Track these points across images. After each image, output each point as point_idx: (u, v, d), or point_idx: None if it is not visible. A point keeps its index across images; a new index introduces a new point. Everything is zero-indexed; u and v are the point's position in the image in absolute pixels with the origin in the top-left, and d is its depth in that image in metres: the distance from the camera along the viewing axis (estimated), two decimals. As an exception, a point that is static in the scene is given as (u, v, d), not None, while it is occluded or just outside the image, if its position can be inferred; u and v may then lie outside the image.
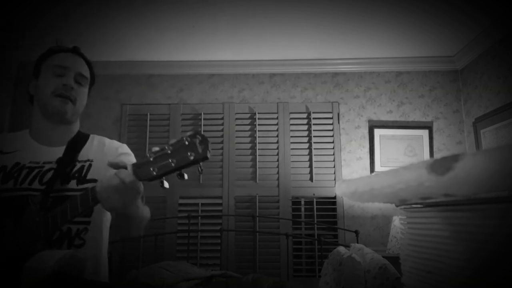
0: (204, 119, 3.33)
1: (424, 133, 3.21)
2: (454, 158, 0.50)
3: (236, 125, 3.32)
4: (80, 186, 1.16)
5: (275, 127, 3.29)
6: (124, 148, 1.37)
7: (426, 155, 3.18)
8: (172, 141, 0.89)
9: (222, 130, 3.31)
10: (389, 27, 2.81)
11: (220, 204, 3.18)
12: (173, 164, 0.86)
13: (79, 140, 1.30)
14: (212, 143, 3.29)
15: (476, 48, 2.98)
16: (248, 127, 3.32)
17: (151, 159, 0.88)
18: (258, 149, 3.25)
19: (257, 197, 3.16)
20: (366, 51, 3.20)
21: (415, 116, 3.28)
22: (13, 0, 2.48)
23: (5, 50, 3.18)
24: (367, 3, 2.49)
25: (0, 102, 3.25)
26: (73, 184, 1.17)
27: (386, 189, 0.66)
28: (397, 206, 1.02)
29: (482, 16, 2.60)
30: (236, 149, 3.27)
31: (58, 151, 1.22)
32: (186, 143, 0.86)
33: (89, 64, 1.33)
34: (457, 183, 0.50)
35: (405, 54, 3.25)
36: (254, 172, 3.22)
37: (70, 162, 1.20)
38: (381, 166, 3.17)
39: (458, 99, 3.28)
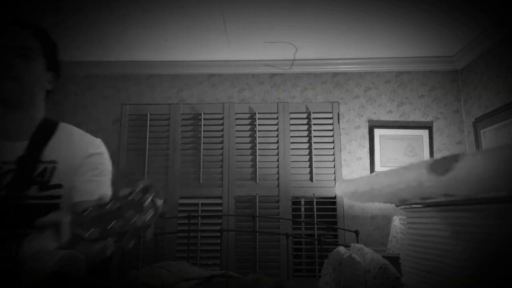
0: (204, 119, 3.33)
1: (424, 133, 3.21)
2: (454, 158, 0.50)
3: (236, 125, 3.32)
4: (43, 193, 0.99)
5: (275, 127, 3.29)
6: (96, 145, 1.15)
7: (426, 155, 3.18)
8: (121, 193, 0.76)
9: (222, 130, 3.31)
10: (389, 27, 2.80)
11: (220, 204, 3.18)
12: (116, 228, 0.73)
13: (44, 132, 1.08)
14: (212, 143, 3.29)
15: (476, 48, 2.98)
16: (248, 127, 3.32)
17: (92, 216, 0.73)
18: (258, 149, 3.25)
19: (257, 197, 3.16)
20: (366, 51, 3.20)
21: (415, 116, 3.28)
22: (13, 2, 2.48)
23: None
24: (367, 3, 2.49)
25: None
26: (34, 190, 0.99)
27: (386, 189, 0.66)
28: (397, 206, 1.02)
29: (482, 16, 2.60)
30: (236, 149, 3.27)
31: (20, 147, 1.02)
32: (136, 200, 0.75)
33: (35, 31, 1.10)
34: (457, 183, 0.50)
35: (405, 54, 3.25)
36: (254, 172, 3.22)
37: (32, 162, 1.01)
38: (381, 166, 3.17)
39: (458, 99, 3.28)
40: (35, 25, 1.11)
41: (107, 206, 0.73)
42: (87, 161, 1.09)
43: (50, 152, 1.05)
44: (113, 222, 0.72)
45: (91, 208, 0.73)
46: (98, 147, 1.15)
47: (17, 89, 1.02)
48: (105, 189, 1.10)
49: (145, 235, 0.75)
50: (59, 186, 1.02)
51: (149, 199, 0.74)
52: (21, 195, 0.97)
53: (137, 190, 0.75)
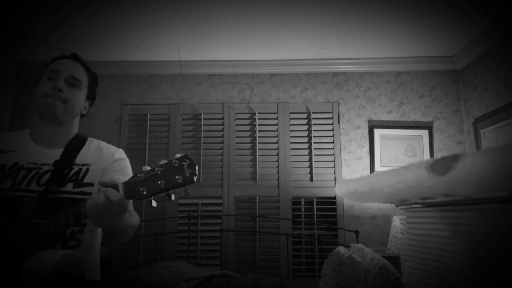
0: (204, 119, 3.33)
1: (424, 133, 3.21)
2: (454, 158, 0.50)
3: (236, 125, 3.32)
4: (77, 189, 1.19)
5: (275, 127, 3.29)
6: (120, 153, 1.38)
7: (426, 155, 3.18)
8: (162, 162, 0.93)
9: (222, 130, 3.31)
10: (389, 27, 2.81)
11: (220, 204, 3.19)
12: (162, 186, 0.90)
13: (77, 143, 1.32)
14: (212, 143, 3.29)
15: (476, 48, 2.99)
16: (248, 127, 3.32)
17: (142, 178, 0.92)
18: (258, 149, 3.25)
19: (257, 197, 3.16)
20: (366, 51, 3.20)
21: (415, 116, 3.28)
22: (15, 2, 2.48)
23: (6, 50, 3.18)
24: (367, 3, 2.49)
25: (0, 102, 3.25)
26: (69, 186, 1.19)
27: (386, 189, 0.66)
28: (397, 206, 1.02)
29: (482, 16, 2.60)
30: (236, 149, 3.27)
31: (56, 153, 1.24)
32: (175, 165, 0.91)
33: (86, 67, 1.37)
34: (457, 183, 0.50)
35: (405, 54, 3.25)
36: (254, 172, 3.22)
37: (67, 165, 1.22)
38: (381, 166, 3.17)
39: (458, 99, 3.28)
40: (86, 62, 1.40)
41: (153, 171, 0.91)
42: (114, 164, 1.31)
43: (83, 157, 1.28)
44: (159, 181, 0.90)
45: (140, 173, 0.92)
46: (122, 154, 1.38)
47: (63, 109, 1.25)
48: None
49: (187, 190, 0.93)
50: (90, 184, 1.22)
51: (187, 163, 0.92)
52: (58, 190, 1.16)
53: (176, 158, 0.93)
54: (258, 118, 3.30)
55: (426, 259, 0.85)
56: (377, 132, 3.23)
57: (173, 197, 0.93)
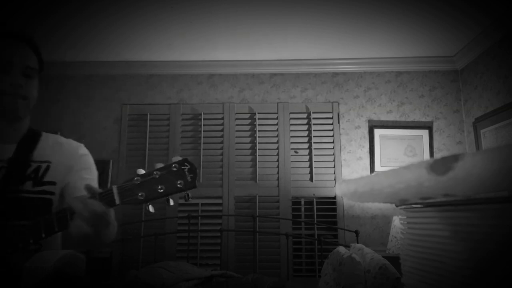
0: (204, 119, 3.33)
1: (424, 133, 3.21)
2: (454, 158, 0.50)
3: (236, 125, 3.32)
4: (37, 188, 1.10)
5: (275, 127, 3.29)
6: (84, 149, 1.27)
7: (426, 155, 3.18)
8: (159, 165, 0.88)
9: (222, 130, 3.31)
10: (389, 27, 2.81)
11: (220, 204, 3.19)
12: (161, 191, 0.86)
13: (31, 138, 1.19)
14: (212, 143, 3.29)
15: (476, 48, 2.99)
16: (248, 127, 3.32)
17: (139, 182, 0.86)
18: (258, 149, 3.25)
19: (257, 197, 3.16)
20: (366, 51, 3.20)
21: (415, 116, 3.28)
22: (15, 2, 2.48)
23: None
24: (367, 3, 2.49)
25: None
26: (29, 185, 1.09)
27: (386, 189, 0.66)
28: (397, 206, 1.02)
29: (482, 16, 2.60)
30: (236, 149, 3.27)
31: (8, 150, 1.12)
32: (175, 169, 0.87)
33: (36, 50, 1.20)
34: (457, 183, 0.50)
35: (405, 54, 3.25)
36: (254, 172, 3.22)
37: (23, 162, 1.12)
38: (381, 166, 3.17)
39: (458, 99, 3.28)
40: (34, 41, 1.21)
41: (151, 175, 0.86)
42: (80, 161, 1.21)
43: (42, 153, 1.16)
44: (159, 186, 0.86)
45: (137, 177, 0.86)
46: (85, 150, 1.26)
47: (24, 106, 1.13)
48: (96, 186, 1.18)
49: (188, 195, 0.90)
50: (52, 183, 1.12)
51: (188, 167, 0.88)
52: (16, 189, 1.06)
53: (175, 162, 0.88)
54: (258, 118, 3.30)
55: (426, 259, 0.85)
56: (377, 132, 3.23)
57: (172, 202, 0.89)
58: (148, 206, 0.89)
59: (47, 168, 1.14)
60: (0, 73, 1.09)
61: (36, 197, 1.09)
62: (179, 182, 0.86)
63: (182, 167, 0.88)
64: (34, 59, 1.18)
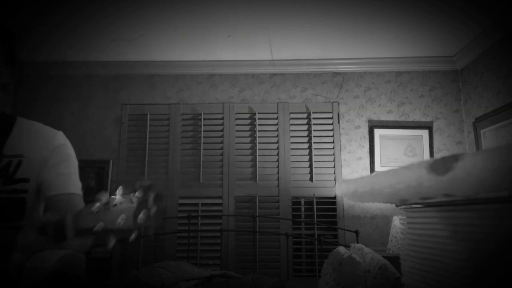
0: (204, 119, 3.33)
1: (424, 133, 3.21)
2: (454, 158, 0.50)
3: (236, 125, 3.32)
4: (8, 187, 0.99)
5: (275, 127, 3.29)
6: (61, 137, 1.12)
7: (426, 155, 3.18)
8: (120, 190, 0.79)
9: (222, 130, 3.31)
10: (389, 27, 2.81)
11: (220, 204, 3.19)
12: (121, 225, 0.75)
13: (2, 127, 1.06)
14: (212, 143, 3.29)
15: (476, 48, 2.98)
16: (248, 127, 3.32)
17: (96, 212, 0.76)
18: (258, 149, 3.25)
19: (257, 197, 3.16)
20: (366, 51, 3.20)
21: (415, 116, 3.28)
22: (15, 2, 2.48)
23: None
24: (367, 3, 2.49)
25: (0, 102, 3.25)
26: None
27: (386, 189, 0.66)
28: (397, 206, 1.02)
29: (482, 16, 2.60)
30: (236, 149, 3.27)
31: None
32: (141, 197, 0.77)
33: None
34: (457, 183, 0.50)
35: (405, 54, 3.25)
36: (254, 172, 3.22)
37: None
38: (381, 166, 3.17)
39: (458, 99, 3.28)
40: None
41: (113, 204, 0.76)
42: (55, 152, 1.08)
43: (13, 146, 1.03)
44: (119, 218, 0.74)
45: (98, 205, 0.75)
46: (63, 139, 1.13)
47: None
48: (76, 182, 1.11)
49: (148, 231, 0.77)
50: (25, 180, 1.01)
51: (153, 196, 0.76)
52: None
53: (140, 189, 0.77)
54: (258, 118, 3.30)
55: (426, 259, 0.85)
56: (377, 132, 3.23)
57: (133, 236, 0.76)
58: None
59: (19, 163, 1.01)
60: None
61: (8, 197, 0.99)
62: (140, 215, 0.74)
63: (147, 195, 0.77)
64: None
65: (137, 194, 0.77)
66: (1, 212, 0.87)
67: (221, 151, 3.27)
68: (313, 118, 3.29)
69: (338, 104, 3.33)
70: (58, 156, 1.08)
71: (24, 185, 1.01)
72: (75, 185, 1.10)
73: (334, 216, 3.13)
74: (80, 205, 1.05)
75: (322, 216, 3.13)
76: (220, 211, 3.17)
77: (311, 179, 3.19)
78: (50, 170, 1.05)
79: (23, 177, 1.01)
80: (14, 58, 1.10)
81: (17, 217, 1.00)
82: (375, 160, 3.19)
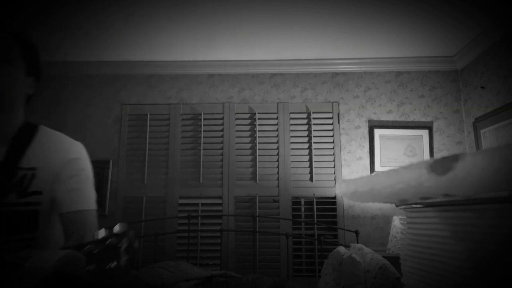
0: (204, 119, 3.33)
1: (424, 133, 3.21)
2: (454, 158, 0.50)
3: (236, 125, 3.32)
4: (22, 200, 1.00)
5: (275, 127, 3.29)
6: (77, 150, 1.12)
7: (426, 155, 3.18)
8: (96, 235, 0.77)
9: (222, 130, 3.31)
10: (389, 27, 2.81)
11: (220, 204, 3.19)
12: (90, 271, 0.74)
13: (24, 138, 1.07)
14: (212, 143, 3.29)
15: (476, 48, 2.98)
16: (248, 127, 3.32)
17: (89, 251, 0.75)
18: (258, 149, 3.25)
19: (257, 197, 3.16)
20: (366, 51, 3.20)
21: (415, 116, 3.28)
22: (15, 2, 2.48)
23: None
24: (367, 3, 2.49)
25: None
26: (12, 197, 0.99)
27: (386, 189, 0.66)
28: (397, 206, 1.02)
29: (482, 16, 2.60)
30: (236, 149, 3.27)
31: None
32: (113, 243, 0.75)
33: (15, 35, 1.07)
34: (457, 183, 0.50)
35: (405, 54, 3.25)
36: (254, 172, 3.22)
37: (11, 169, 1.01)
38: (381, 166, 3.17)
39: (458, 99, 3.28)
40: (15, 29, 1.09)
41: (84, 249, 0.73)
42: (68, 167, 1.07)
43: (30, 158, 1.04)
44: (88, 267, 0.72)
45: (68, 251, 0.73)
46: (78, 152, 1.11)
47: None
48: (88, 196, 1.09)
49: (119, 278, 0.75)
50: (38, 193, 1.02)
51: (125, 245, 0.74)
52: (1, 202, 0.96)
53: (114, 234, 0.75)
54: (258, 118, 3.30)
55: (426, 259, 0.85)
56: (377, 132, 3.23)
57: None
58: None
59: (33, 176, 1.02)
60: None
61: (21, 210, 1.00)
62: (111, 263, 0.73)
63: (120, 243, 0.74)
64: (7, 42, 1.05)
65: (111, 240, 0.74)
66: (14, 225, 0.88)
67: (221, 151, 3.27)
68: (313, 118, 3.29)
69: (338, 104, 3.33)
70: (71, 170, 1.07)
71: (38, 197, 1.02)
72: (88, 201, 1.08)
73: (334, 216, 3.13)
74: (92, 223, 1.06)
75: (322, 216, 3.13)
76: (220, 211, 3.17)
77: (311, 179, 3.19)
78: (62, 185, 1.05)
79: (36, 190, 1.01)
80: (39, 70, 1.13)
81: (30, 230, 1.01)
82: (375, 160, 3.19)
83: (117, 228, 0.76)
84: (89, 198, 1.09)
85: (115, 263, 0.73)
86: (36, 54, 1.13)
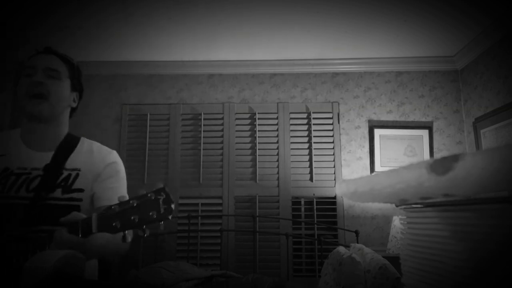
0: (204, 119, 3.33)
1: (424, 133, 3.21)
2: (454, 158, 0.50)
3: (236, 125, 3.32)
4: (65, 196, 1.17)
5: (275, 127, 3.29)
6: (113, 156, 1.32)
7: (426, 155, 3.18)
8: (140, 193, 0.91)
9: (222, 130, 3.31)
10: (389, 27, 2.81)
11: (220, 204, 3.19)
12: (136, 221, 0.89)
13: (68, 145, 1.27)
14: (212, 143, 3.29)
15: (476, 48, 2.98)
16: (248, 127, 3.32)
17: (116, 211, 0.90)
18: (258, 149, 3.25)
19: (257, 197, 3.16)
20: (366, 51, 3.20)
21: (415, 116, 3.28)
22: (15, 2, 2.48)
23: (6, 50, 3.18)
24: (367, 3, 2.49)
25: (0, 102, 3.25)
26: (58, 192, 1.16)
27: (386, 189, 0.66)
28: (397, 206, 1.02)
29: (482, 16, 2.60)
30: (236, 149, 3.27)
31: (46, 157, 1.20)
32: (152, 198, 0.90)
33: (63, 57, 1.30)
34: (457, 183, 0.50)
35: (405, 54, 3.25)
36: (254, 172, 3.22)
37: (57, 170, 1.19)
38: (381, 166, 3.17)
39: (458, 99, 3.28)
40: (63, 53, 1.31)
41: (128, 204, 0.89)
42: (106, 169, 1.26)
43: (74, 161, 1.23)
44: (133, 217, 0.88)
45: (115, 205, 0.90)
46: (114, 157, 1.32)
47: (48, 107, 1.20)
48: (122, 193, 1.22)
49: (160, 227, 0.94)
50: (80, 190, 1.19)
51: (163, 198, 0.89)
52: (47, 197, 1.13)
53: (153, 190, 0.90)
54: (258, 118, 3.30)
55: (426, 259, 0.85)
56: (377, 132, 3.23)
57: (147, 232, 0.93)
58: (125, 235, 0.92)
59: (77, 175, 1.20)
60: (26, 77, 1.20)
61: (65, 204, 1.15)
62: (152, 213, 0.89)
63: (158, 197, 0.90)
64: (57, 62, 1.26)
65: (150, 195, 0.90)
66: (59, 217, 0.97)
67: (221, 151, 3.27)
68: (313, 118, 3.29)
69: (338, 104, 3.33)
70: (109, 172, 1.26)
71: (80, 194, 1.19)
72: (122, 196, 1.22)
73: (334, 216, 3.13)
74: None
75: (322, 216, 3.13)
76: (220, 211, 3.17)
77: (311, 179, 3.19)
78: (100, 184, 1.23)
79: (79, 188, 1.19)
80: (81, 86, 1.40)
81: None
82: (375, 160, 3.19)
83: (156, 186, 0.90)
84: (123, 196, 1.21)
85: (155, 212, 0.89)
86: (79, 73, 1.36)
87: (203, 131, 3.30)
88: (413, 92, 3.32)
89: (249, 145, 3.28)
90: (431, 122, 3.25)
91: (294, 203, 3.19)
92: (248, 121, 3.33)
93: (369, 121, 3.29)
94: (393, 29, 2.83)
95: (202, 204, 3.19)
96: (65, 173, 1.19)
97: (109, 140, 3.34)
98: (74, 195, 1.18)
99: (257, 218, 3.11)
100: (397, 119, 3.28)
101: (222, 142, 3.28)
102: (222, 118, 3.33)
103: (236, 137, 3.29)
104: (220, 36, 2.96)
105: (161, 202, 0.89)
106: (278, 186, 3.20)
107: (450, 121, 3.25)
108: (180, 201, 3.20)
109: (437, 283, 0.80)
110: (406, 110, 3.29)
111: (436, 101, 3.29)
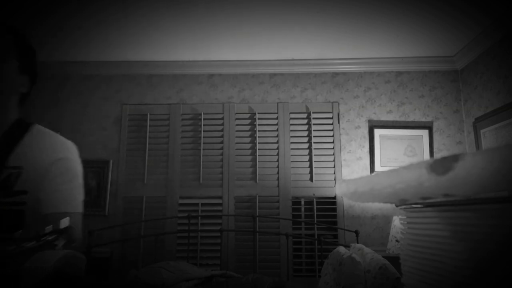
0: (204, 119, 3.33)
1: (424, 133, 3.21)
2: (454, 158, 0.50)
3: (236, 125, 3.32)
4: (6, 199, 0.98)
5: (275, 127, 3.29)
6: (66, 150, 1.08)
7: (426, 155, 3.18)
8: (44, 231, 0.77)
9: (222, 130, 3.31)
10: (389, 27, 2.81)
11: (220, 204, 3.19)
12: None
13: (15, 134, 1.05)
14: (212, 143, 3.30)
15: (476, 48, 2.98)
16: (248, 127, 3.32)
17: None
18: (258, 149, 3.25)
19: (257, 197, 3.16)
20: (366, 51, 3.20)
21: (415, 116, 3.28)
22: (15, 2, 2.48)
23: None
24: (367, 3, 2.49)
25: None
26: None
27: (386, 189, 0.66)
28: (397, 206, 1.02)
29: (482, 16, 2.60)
30: (236, 149, 3.27)
31: None
32: (49, 240, 0.76)
33: (10, 32, 1.07)
34: (457, 183, 0.50)
35: (405, 54, 3.25)
36: (254, 172, 3.22)
37: None
38: (381, 166, 3.17)
39: (458, 99, 3.28)
40: (8, 25, 1.07)
41: (21, 246, 0.74)
42: (54, 166, 1.04)
43: (17, 156, 1.01)
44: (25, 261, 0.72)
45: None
46: (67, 151, 1.08)
47: None
48: (72, 198, 1.07)
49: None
50: (23, 192, 0.99)
51: (63, 243, 0.76)
52: None
53: (57, 230, 0.76)
54: (258, 118, 3.30)
55: (426, 259, 0.85)
56: (377, 132, 3.23)
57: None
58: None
59: (18, 175, 1.00)
60: None
61: (6, 209, 0.98)
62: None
63: (55, 243, 0.76)
64: (4, 41, 1.04)
65: (48, 236, 0.76)
66: (1, 223, 0.87)
67: (221, 151, 3.27)
68: (313, 118, 3.29)
69: (338, 104, 3.33)
70: (56, 170, 1.03)
71: (22, 197, 0.99)
72: (73, 203, 1.05)
73: (334, 216, 3.13)
74: (75, 226, 1.01)
75: (322, 216, 3.13)
76: (220, 211, 3.17)
77: (311, 179, 3.19)
78: (46, 185, 1.02)
79: (21, 189, 0.99)
80: (33, 69, 1.13)
81: (14, 229, 0.97)
82: (375, 160, 3.19)
83: (60, 224, 0.75)
84: (72, 200, 1.06)
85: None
86: (31, 53, 1.11)
87: (203, 131, 3.30)
88: (413, 92, 3.32)
89: (249, 145, 3.28)
90: (431, 122, 3.25)
91: (294, 203, 3.19)
92: (248, 121, 3.33)
93: (369, 121, 3.29)
94: (393, 29, 2.83)
95: (202, 204, 3.19)
96: (6, 172, 1.00)
97: (109, 140, 3.34)
98: (16, 198, 0.99)
99: (257, 218, 3.11)
100: (397, 119, 3.28)
101: (222, 142, 3.28)
102: (222, 118, 3.33)
103: (236, 137, 3.29)
104: (220, 36, 2.96)
105: (59, 247, 0.74)
106: (278, 186, 3.20)
107: (450, 121, 3.25)
108: (180, 201, 3.20)
109: (437, 283, 0.80)
110: (406, 110, 3.29)
111: (436, 101, 3.29)
